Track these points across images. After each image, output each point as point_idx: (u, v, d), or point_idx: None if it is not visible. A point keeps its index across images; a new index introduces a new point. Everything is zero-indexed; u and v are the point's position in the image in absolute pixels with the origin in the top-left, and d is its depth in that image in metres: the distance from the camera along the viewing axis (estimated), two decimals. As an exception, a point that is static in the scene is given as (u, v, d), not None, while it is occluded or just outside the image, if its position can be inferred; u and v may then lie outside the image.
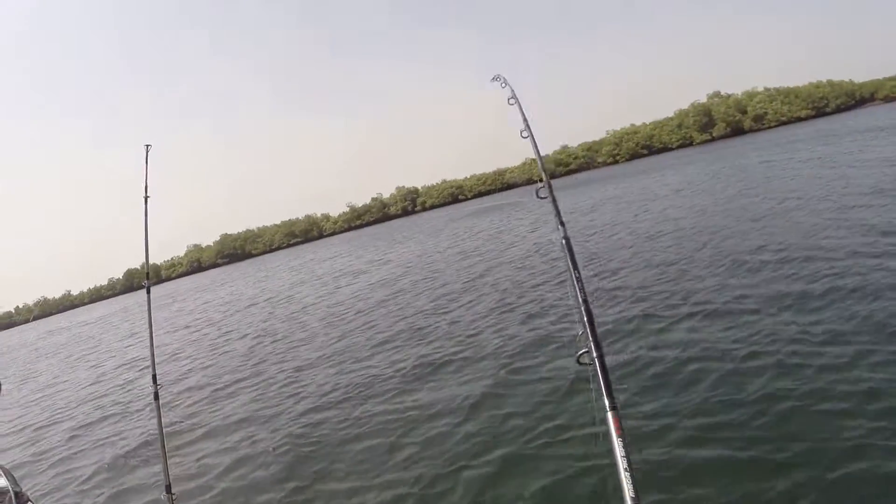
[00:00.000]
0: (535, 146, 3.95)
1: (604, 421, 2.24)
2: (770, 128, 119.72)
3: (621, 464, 2.14)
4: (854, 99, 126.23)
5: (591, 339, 2.52)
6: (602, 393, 2.38)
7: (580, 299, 2.77)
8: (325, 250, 79.35)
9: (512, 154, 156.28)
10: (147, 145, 5.36)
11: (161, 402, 4.64)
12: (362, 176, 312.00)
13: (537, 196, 3.59)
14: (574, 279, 2.82)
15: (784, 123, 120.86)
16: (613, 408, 2.28)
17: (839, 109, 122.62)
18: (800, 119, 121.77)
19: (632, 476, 2.10)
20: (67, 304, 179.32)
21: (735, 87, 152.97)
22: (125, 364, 23.47)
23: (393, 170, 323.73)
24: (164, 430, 4.51)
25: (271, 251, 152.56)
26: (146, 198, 5.23)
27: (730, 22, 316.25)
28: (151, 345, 4.70)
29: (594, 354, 2.43)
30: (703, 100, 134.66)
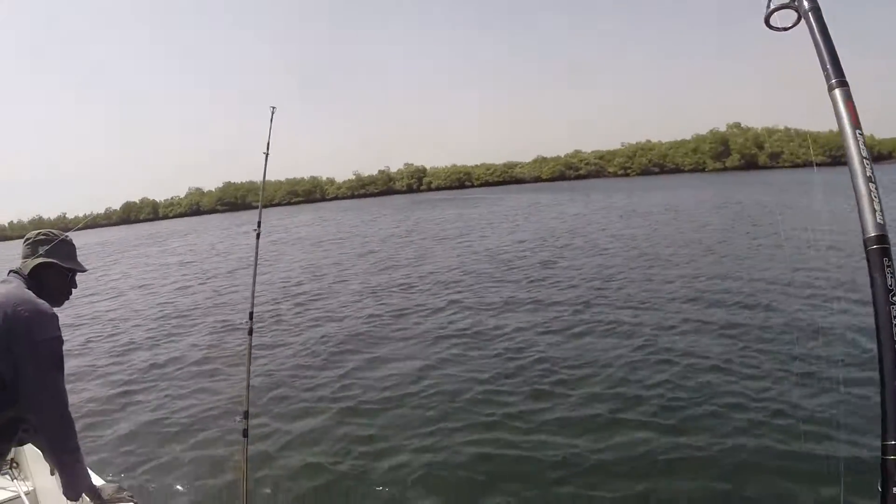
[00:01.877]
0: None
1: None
2: (783, 167, 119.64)
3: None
4: (872, 154, 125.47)
5: None
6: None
7: None
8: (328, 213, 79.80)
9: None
10: (272, 107, 5.69)
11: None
12: (375, 148, 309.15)
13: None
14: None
15: (798, 165, 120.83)
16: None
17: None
18: (813, 164, 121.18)
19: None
20: (61, 225, 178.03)
21: (755, 120, 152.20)
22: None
23: (405, 147, 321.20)
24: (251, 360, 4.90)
25: (271, 206, 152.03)
26: (266, 154, 5.60)
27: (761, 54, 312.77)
28: (254, 282, 5.10)
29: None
30: (723, 128, 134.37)
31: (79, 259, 3.70)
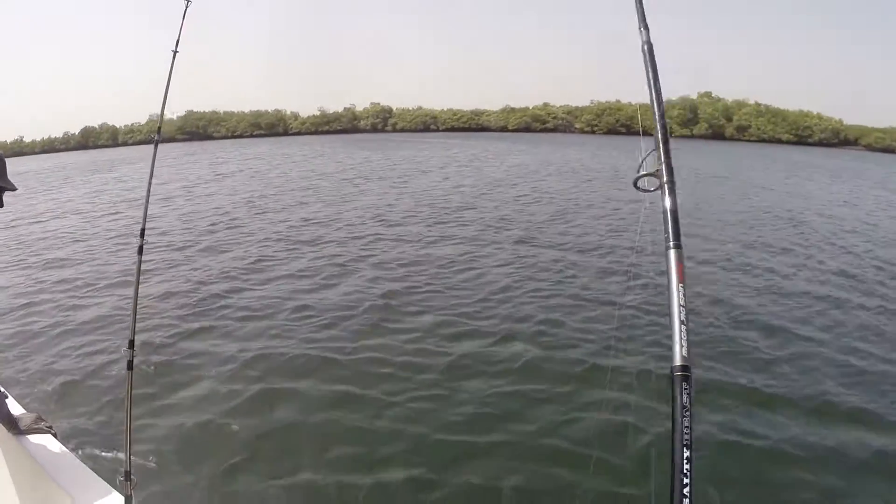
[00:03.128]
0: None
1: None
2: (749, 140, 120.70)
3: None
4: (837, 137, 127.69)
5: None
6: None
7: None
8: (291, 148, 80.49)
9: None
10: (187, 1, 5.10)
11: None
12: (340, 82, 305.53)
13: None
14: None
15: (765, 140, 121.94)
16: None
17: (820, 143, 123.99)
18: (780, 141, 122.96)
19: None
20: (17, 149, 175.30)
21: (726, 92, 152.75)
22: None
23: (371, 85, 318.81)
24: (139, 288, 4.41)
25: (233, 137, 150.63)
26: (175, 52, 4.99)
27: (742, 29, 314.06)
28: (147, 196, 4.57)
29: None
30: (693, 96, 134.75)
31: (9, 178, 3.43)
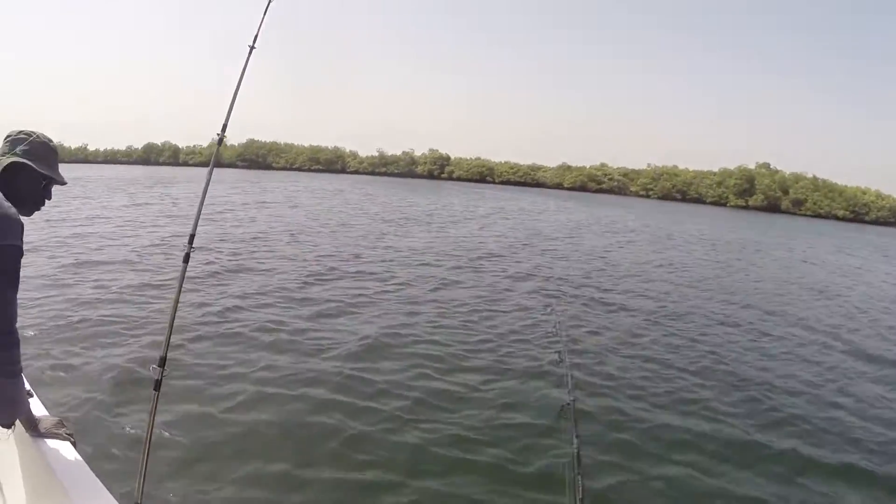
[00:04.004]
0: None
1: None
2: (804, 215, 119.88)
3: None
4: (895, 216, 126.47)
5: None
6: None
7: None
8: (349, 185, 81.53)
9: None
10: (269, -3, 4.87)
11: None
12: (401, 127, 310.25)
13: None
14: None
15: (820, 216, 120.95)
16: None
17: (877, 221, 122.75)
18: (836, 217, 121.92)
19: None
20: (80, 157, 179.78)
21: (784, 163, 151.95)
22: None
23: (428, 131, 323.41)
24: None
25: (291, 169, 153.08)
26: (251, 48, 4.72)
27: (807, 101, 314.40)
28: (202, 200, 4.26)
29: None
30: (751, 166, 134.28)
31: (60, 171, 3.27)
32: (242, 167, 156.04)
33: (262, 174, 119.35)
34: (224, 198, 43.97)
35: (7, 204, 2.78)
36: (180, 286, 4.01)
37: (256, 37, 4.78)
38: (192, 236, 4.22)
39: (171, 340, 3.83)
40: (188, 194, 47.14)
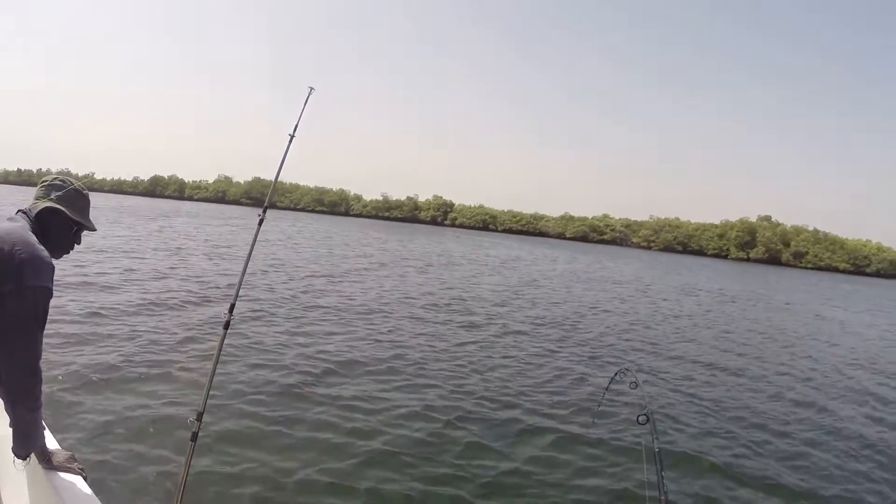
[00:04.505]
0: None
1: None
2: (805, 267, 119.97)
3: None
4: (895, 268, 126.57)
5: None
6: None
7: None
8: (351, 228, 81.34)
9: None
10: (310, 88, 5.24)
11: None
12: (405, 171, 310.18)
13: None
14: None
15: (821, 268, 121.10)
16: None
17: (878, 273, 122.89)
18: (836, 269, 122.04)
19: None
20: (86, 182, 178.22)
21: (786, 216, 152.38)
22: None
23: (431, 177, 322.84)
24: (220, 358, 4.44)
25: (296, 210, 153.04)
26: (292, 136, 5.12)
27: (809, 157, 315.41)
28: (243, 272, 4.63)
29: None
30: (753, 219, 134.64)
31: (91, 218, 3.46)
32: (248, 205, 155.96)
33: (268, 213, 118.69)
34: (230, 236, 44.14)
35: (41, 247, 2.97)
36: (219, 350, 4.37)
37: (297, 126, 5.17)
38: (232, 306, 4.58)
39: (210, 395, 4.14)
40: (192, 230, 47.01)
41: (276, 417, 9.58)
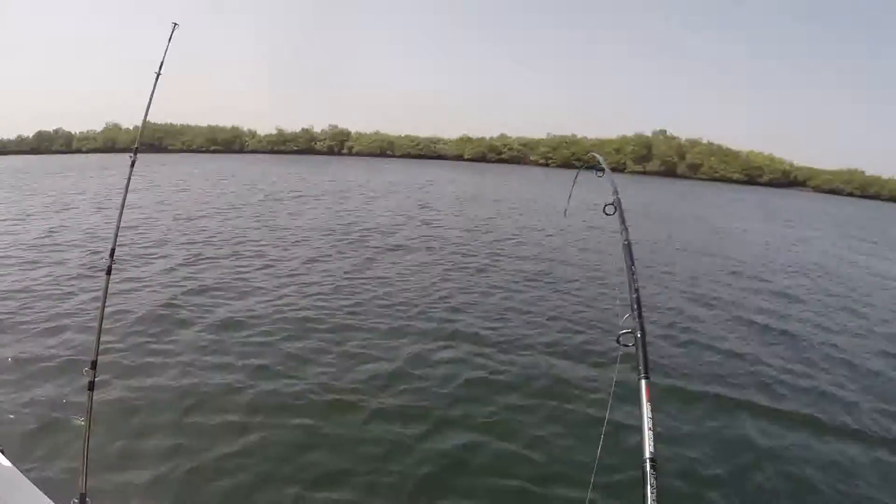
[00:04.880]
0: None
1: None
2: (700, 179, 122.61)
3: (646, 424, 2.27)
4: (787, 178, 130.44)
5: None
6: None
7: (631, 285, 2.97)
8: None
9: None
10: (174, 24, 5.09)
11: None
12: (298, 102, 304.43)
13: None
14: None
15: (716, 179, 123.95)
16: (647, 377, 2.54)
17: (770, 183, 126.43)
18: (731, 180, 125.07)
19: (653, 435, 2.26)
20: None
21: (681, 130, 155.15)
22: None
23: (328, 103, 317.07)
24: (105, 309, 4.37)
25: (189, 151, 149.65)
26: (158, 74, 5.00)
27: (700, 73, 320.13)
28: (120, 216, 4.54)
29: (637, 334, 2.77)
30: (648, 133, 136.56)
31: None
32: (140, 152, 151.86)
33: (158, 157, 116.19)
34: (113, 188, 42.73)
35: None
36: (104, 299, 4.31)
37: (162, 64, 5.06)
38: (112, 250, 4.51)
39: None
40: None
41: (164, 350, 9.75)
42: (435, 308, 13.25)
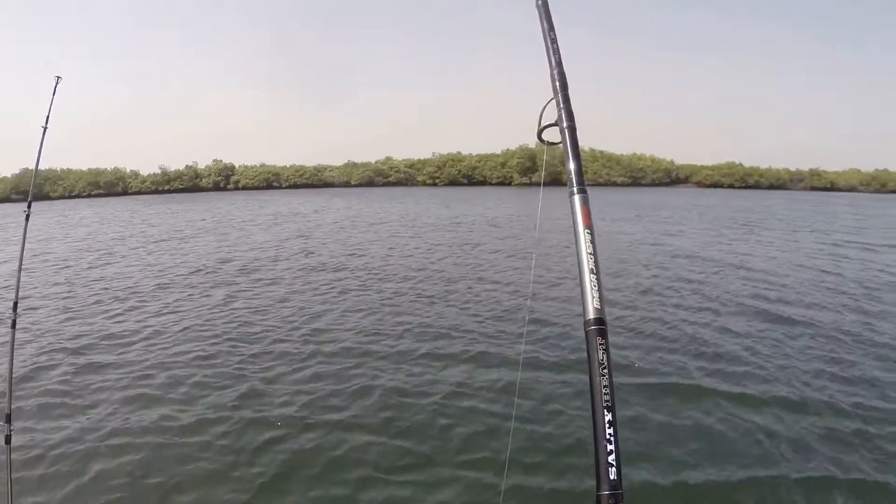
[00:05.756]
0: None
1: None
2: (588, 185, 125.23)
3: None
4: (670, 177, 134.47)
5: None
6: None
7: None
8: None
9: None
10: (57, 77, 5.16)
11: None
12: (183, 139, 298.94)
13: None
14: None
15: (600, 184, 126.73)
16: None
17: (654, 183, 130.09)
18: (616, 184, 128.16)
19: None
20: None
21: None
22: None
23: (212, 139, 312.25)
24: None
25: (71, 197, 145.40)
26: (45, 128, 5.08)
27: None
28: (20, 269, 4.64)
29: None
30: (531, 145, 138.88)
31: None
32: (18, 200, 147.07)
33: (39, 206, 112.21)
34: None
35: None
36: (12, 349, 4.39)
37: (48, 117, 5.14)
38: (15, 303, 4.59)
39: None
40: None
41: (82, 394, 9.70)
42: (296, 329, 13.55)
